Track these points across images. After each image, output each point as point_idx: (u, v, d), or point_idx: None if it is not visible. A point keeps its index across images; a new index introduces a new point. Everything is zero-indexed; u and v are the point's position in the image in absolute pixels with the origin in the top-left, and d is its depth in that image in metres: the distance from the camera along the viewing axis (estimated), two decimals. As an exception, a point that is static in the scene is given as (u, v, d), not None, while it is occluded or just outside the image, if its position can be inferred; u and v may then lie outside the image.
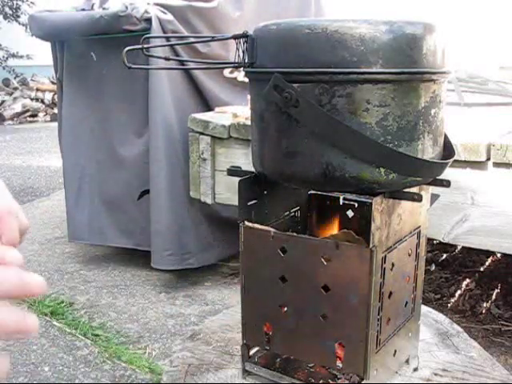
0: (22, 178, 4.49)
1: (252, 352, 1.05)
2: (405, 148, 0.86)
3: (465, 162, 1.52)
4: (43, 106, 8.34)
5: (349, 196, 1.12)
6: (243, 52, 0.91)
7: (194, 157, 2.14)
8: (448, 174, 0.96)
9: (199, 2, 2.32)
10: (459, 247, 2.70)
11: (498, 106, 2.42)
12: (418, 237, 1.03)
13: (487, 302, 2.16)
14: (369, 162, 0.85)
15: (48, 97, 8.38)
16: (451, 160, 0.95)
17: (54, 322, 2.04)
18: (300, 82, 0.84)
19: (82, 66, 2.43)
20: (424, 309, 1.22)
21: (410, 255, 1.02)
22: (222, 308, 2.10)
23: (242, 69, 0.94)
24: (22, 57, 7.87)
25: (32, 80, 8.96)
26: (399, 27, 0.83)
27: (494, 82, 2.85)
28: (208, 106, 2.35)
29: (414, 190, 0.92)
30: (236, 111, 2.08)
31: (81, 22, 2.27)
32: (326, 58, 0.82)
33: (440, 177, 0.96)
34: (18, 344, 1.88)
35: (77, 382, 1.68)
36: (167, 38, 2.07)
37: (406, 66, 0.84)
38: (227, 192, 2.07)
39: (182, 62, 1.91)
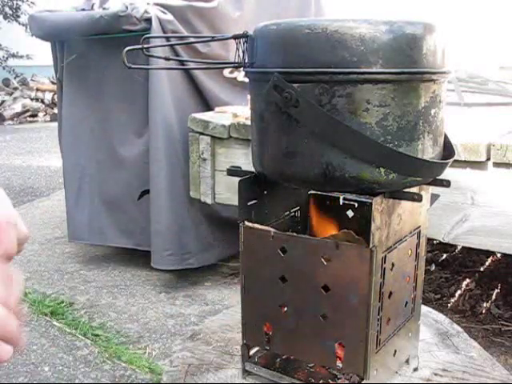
0: (22, 178, 4.49)
1: (252, 352, 1.05)
2: (405, 148, 0.86)
3: (465, 161, 1.52)
4: (43, 106, 8.34)
5: (349, 196, 1.12)
6: (243, 52, 0.91)
7: (194, 157, 2.14)
8: (448, 174, 0.96)
9: (199, 2, 2.32)
10: (459, 247, 2.70)
11: (497, 106, 2.42)
12: (418, 237, 1.03)
13: (487, 302, 2.16)
14: (369, 162, 0.85)
15: (48, 97, 8.39)
16: (451, 160, 0.95)
17: (54, 322, 2.04)
18: (300, 82, 0.84)
19: (82, 66, 2.43)
20: (424, 309, 1.22)
21: (410, 255, 1.02)
22: (221, 308, 2.10)
23: (241, 69, 0.94)
24: (22, 57, 7.88)
25: (32, 80, 8.96)
26: (399, 27, 0.83)
27: (494, 82, 2.85)
28: (208, 106, 2.35)
29: (414, 189, 0.92)
30: (236, 111, 2.08)
31: (81, 22, 2.27)
32: (326, 58, 0.82)
33: (440, 177, 0.96)
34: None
35: (77, 381, 1.68)
36: (167, 38, 2.07)
37: (406, 66, 0.84)
38: (227, 192, 2.07)
39: (181, 62, 1.91)
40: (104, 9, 2.33)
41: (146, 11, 2.14)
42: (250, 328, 1.02)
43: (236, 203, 0.99)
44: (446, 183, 0.98)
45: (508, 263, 2.49)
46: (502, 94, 2.64)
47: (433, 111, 0.89)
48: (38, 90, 8.54)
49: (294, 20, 0.87)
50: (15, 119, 7.97)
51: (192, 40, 2.22)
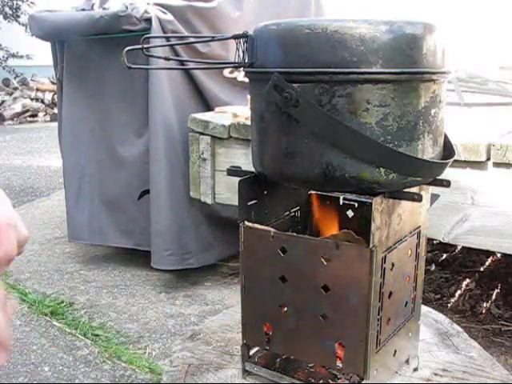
0: (22, 178, 4.49)
1: (252, 352, 1.05)
2: (405, 148, 0.86)
3: (465, 161, 1.52)
4: (43, 106, 8.34)
5: (349, 196, 1.12)
6: (243, 52, 0.91)
7: (194, 157, 2.14)
8: (448, 174, 0.96)
9: (199, 2, 2.32)
10: (459, 247, 2.70)
11: (497, 106, 2.42)
12: (418, 237, 1.03)
13: (487, 302, 2.16)
14: (369, 162, 0.85)
15: (48, 97, 8.39)
16: (451, 160, 0.95)
17: (54, 322, 2.04)
18: (300, 82, 0.84)
19: (82, 66, 2.43)
20: (424, 309, 1.22)
21: (410, 255, 1.02)
22: (221, 308, 2.10)
23: (241, 69, 0.94)
24: (22, 57, 7.88)
25: (32, 80, 8.96)
26: (399, 27, 0.83)
27: (494, 82, 2.85)
28: (208, 106, 2.35)
29: (414, 189, 0.92)
30: (236, 111, 2.08)
31: (81, 22, 2.27)
32: (326, 58, 0.82)
33: (440, 177, 0.96)
34: (18, 344, 1.88)
35: (77, 381, 1.68)
36: (167, 38, 2.07)
37: (406, 66, 0.84)
38: (227, 192, 2.07)
39: (181, 62, 1.91)
40: (104, 9, 2.33)
41: (146, 11, 2.14)
42: (250, 328, 1.02)
43: (236, 203, 0.99)
44: (446, 183, 0.98)
45: (508, 263, 2.49)
46: (502, 94, 2.64)
47: (433, 111, 0.89)
48: (37, 90, 8.54)
49: (293, 20, 0.87)
50: (15, 119, 7.97)
51: (192, 40, 2.22)
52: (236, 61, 0.92)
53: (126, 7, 2.14)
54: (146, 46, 0.90)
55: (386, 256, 0.91)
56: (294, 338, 0.97)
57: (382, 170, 0.85)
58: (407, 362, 1.07)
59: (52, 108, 8.09)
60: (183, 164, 2.23)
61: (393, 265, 0.94)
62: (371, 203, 0.85)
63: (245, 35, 0.91)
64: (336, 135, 0.84)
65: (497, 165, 1.51)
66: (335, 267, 0.90)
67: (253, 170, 1.00)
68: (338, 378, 1.02)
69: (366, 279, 0.88)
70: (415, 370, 1.07)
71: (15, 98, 8.31)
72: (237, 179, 0.98)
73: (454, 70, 2.40)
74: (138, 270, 2.52)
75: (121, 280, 2.43)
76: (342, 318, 0.91)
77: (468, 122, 2.00)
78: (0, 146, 5.97)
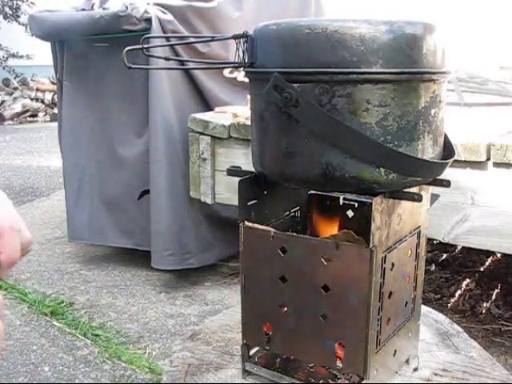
0: (22, 178, 4.49)
1: (252, 352, 1.05)
2: (405, 148, 0.86)
3: (465, 161, 1.52)
4: (43, 106, 8.34)
5: (349, 196, 1.13)
6: (243, 52, 0.91)
7: (194, 157, 2.14)
8: (448, 174, 0.96)
9: (199, 2, 2.32)
10: (459, 247, 2.70)
11: (497, 106, 2.42)
12: (418, 237, 1.03)
13: (487, 302, 2.16)
14: (369, 162, 0.85)
15: (48, 97, 8.38)
16: (451, 160, 0.95)
17: (54, 322, 2.04)
18: (300, 82, 0.84)
19: (82, 66, 2.43)
20: (424, 309, 1.22)
21: (409, 255, 1.02)
22: (222, 308, 2.10)
23: (241, 69, 0.94)
24: (22, 57, 7.88)
25: (32, 80, 8.96)
26: (399, 27, 0.83)
27: (494, 82, 2.85)
28: (208, 106, 2.35)
29: (414, 189, 0.92)
30: (236, 111, 2.08)
31: (81, 22, 2.27)
32: (326, 58, 0.82)
33: (440, 177, 0.96)
34: (18, 344, 1.88)
35: (77, 381, 1.68)
36: (167, 38, 2.07)
37: (406, 66, 0.84)
38: (227, 192, 2.07)
39: (182, 62, 1.91)
40: (104, 9, 2.33)
41: (146, 11, 2.14)
42: (250, 328, 1.02)
43: (236, 203, 0.99)
44: (446, 183, 0.98)
45: (508, 263, 2.49)
46: (502, 94, 2.64)
47: (433, 111, 0.89)
48: (38, 90, 8.53)
49: (293, 20, 0.88)
50: (15, 119, 7.97)
51: (192, 40, 2.22)
52: (236, 61, 0.92)
53: (126, 7, 2.14)
54: (145, 46, 0.90)
55: (385, 256, 0.91)
56: (294, 338, 0.97)
57: (382, 169, 0.85)
58: (407, 362, 1.07)
59: (52, 108, 8.09)
60: (183, 164, 2.23)
61: (393, 265, 0.94)
62: (371, 203, 0.85)
63: (245, 35, 0.91)
64: (336, 135, 0.84)
65: (497, 165, 1.51)
66: (335, 267, 0.90)
67: (253, 169, 1.00)
68: (338, 378, 1.02)
69: (366, 279, 0.88)
70: (415, 370, 1.07)
71: (15, 98, 8.31)
72: (237, 179, 0.98)
73: (454, 70, 2.40)
74: (138, 270, 2.52)
75: (121, 280, 2.43)
76: (342, 318, 0.91)
77: (468, 122, 2.00)
78: (0, 145, 5.97)
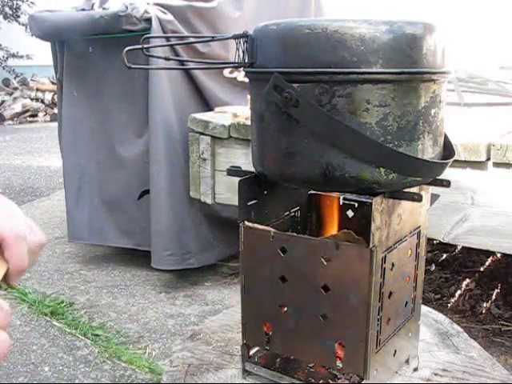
0: (22, 178, 4.49)
1: (252, 352, 1.05)
2: (405, 148, 0.86)
3: (465, 161, 1.52)
4: (43, 106, 8.34)
5: (349, 196, 1.12)
6: (243, 52, 0.91)
7: (194, 157, 2.14)
8: (448, 174, 0.96)
9: (199, 2, 2.32)
10: (459, 247, 2.70)
11: (497, 106, 2.42)
12: (418, 237, 1.03)
13: (487, 301, 2.16)
14: (369, 162, 0.85)
15: (48, 97, 8.38)
16: (451, 160, 0.95)
17: (54, 322, 2.04)
18: (300, 82, 0.84)
19: (82, 66, 2.43)
20: (424, 309, 1.22)
21: (409, 255, 1.02)
22: (221, 308, 2.10)
23: (241, 69, 0.94)
24: (22, 57, 7.88)
25: (32, 80, 8.96)
26: (399, 27, 0.83)
27: (494, 82, 2.85)
28: (208, 106, 2.35)
29: (414, 189, 0.92)
30: (236, 111, 2.08)
31: (81, 22, 2.27)
32: (326, 58, 0.82)
33: (440, 177, 0.96)
34: (18, 344, 1.88)
35: (77, 381, 1.68)
36: (167, 38, 2.07)
37: (406, 66, 0.84)
38: (227, 192, 2.07)
39: (182, 62, 1.91)
40: (104, 9, 2.33)
41: (146, 11, 2.14)
42: (250, 328, 1.02)
43: (236, 203, 0.99)
44: (446, 183, 0.98)
45: (508, 263, 2.49)
46: (502, 94, 2.64)
47: (433, 111, 0.89)
48: (38, 90, 8.54)
49: (293, 20, 0.87)
50: (15, 119, 7.97)
51: (192, 40, 2.22)
52: (236, 61, 0.92)
53: (126, 7, 2.14)
54: (145, 46, 0.90)
55: (385, 256, 0.91)
56: (294, 338, 0.97)
57: (382, 169, 0.85)
58: (407, 362, 1.07)
59: (52, 108, 8.09)
60: (183, 164, 2.23)
61: (393, 265, 0.94)
62: (371, 203, 0.85)
63: (245, 35, 0.91)
64: (336, 135, 0.84)
65: (497, 165, 1.51)
66: (335, 267, 0.90)
67: (253, 170, 1.00)
68: (338, 378, 1.02)
69: (366, 279, 0.88)
70: (415, 370, 1.07)
71: (15, 98, 8.31)
72: (237, 179, 0.98)
73: (454, 70, 2.40)
74: (138, 270, 2.52)
75: (121, 280, 2.43)
76: (342, 318, 0.91)
77: (468, 121, 2.00)
78: (0, 145, 5.97)
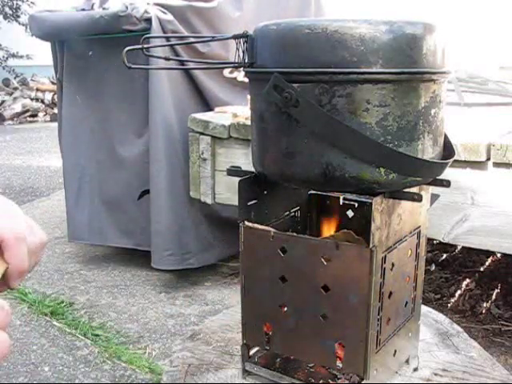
0: (22, 178, 4.49)
1: (252, 352, 1.05)
2: (405, 148, 0.86)
3: (465, 161, 1.52)
4: (43, 106, 8.34)
5: (349, 196, 1.12)
6: (243, 52, 0.91)
7: (194, 157, 2.14)
8: (448, 174, 0.96)
9: (199, 2, 2.32)
10: (459, 247, 2.70)
11: (497, 106, 2.42)
12: (418, 237, 1.03)
13: (487, 302, 2.16)
14: (369, 162, 0.85)
15: (48, 97, 8.38)
16: (451, 160, 0.95)
17: (54, 322, 2.04)
18: (300, 82, 0.84)
19: (82, 66, 2.43)
20: (424, 309, 1.22)
21: (409, 255, 1.02)
22: (221, 308, 2.10)
23: (241, 69, 0.94)
24: (22, 57, 7.88)
25: (32, 80, 8.96)
26: (399, 27, 0.83)
27: (494, 82, 2.85)
28: (208, 106, 2.35)
29: (414, 189, 0.92)
30: (236, 111, 2.08)
31: (81, 22, 2.27)
32: (326, 58, 0.82)
33: (440, 177, 0.96)
34: (18, 344, 1.88)
35: (77, 381, 1.68)
36: (167, 38, 2.07)
37: (406, 66, 0.84)
38: (227, 192, 2.07)
39: (182, 62, 1.91)
40: (104, 9, 2.33)
41: (146, 11, 2.14)
42: (250, 328, 1.02)
43: (236, 203, 0.99)
44: (446, 183, 0.98)
45: (508, 263, 2.49)
46: (502, 94, 2.64)
47: (433, 111, 0.89)
48: (38, 90, 8.54)
49: (293, 20, 0.87)
50: (15, 119, 7.97)
51: (192, 40, 2.22)
52: (236, 61, 0.92)
53: (126, 7, 2.14)
54: (145, 46, 0.90)
55: (385, 256, 0.91)
56: (294, 338, 0.97)
57: (382, 169, 0.85)
58: (407, 362, 1.07)
59: (52, 108, 8.09)
60: (183, 164, 2.23)
61: (393, 265, 0.94)
62: (371, 203, 0.85)
63: (245, 35, 0.91)
64: (336, 135, 0.84)
65: (497, 165, 1.51)
66: (335, 267, 0.90)
67: (253, 170, 1.00)
68: (338, 378, 1.02)
69: (366, 279, 0.88)
70: (415, 370, 1.07)
71: (15, 98, 8.31)
72: (237, 179, 0.98)
73: (454, 70, 2.40)
74: (138, 270, 2.52)
75: (121, 280, 2.43)
76: (342, 318, 0.91)
77: (468, 121, 2.00)
78: (0, 145, 5.97)
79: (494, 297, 2.20)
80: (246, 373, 1.04)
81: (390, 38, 0.82)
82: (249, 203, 0.99)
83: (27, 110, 8.11)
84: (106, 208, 2.50)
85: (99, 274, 2.50)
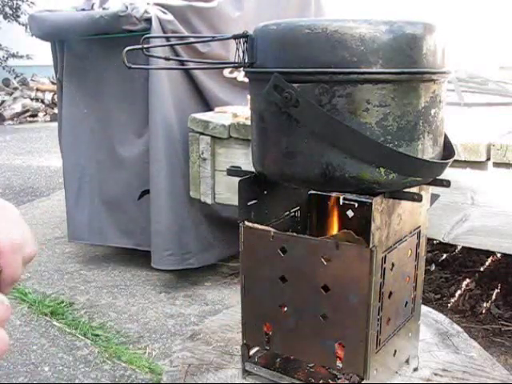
0: (22, 178, 4.49)
1: (252, 352, 1.05)
2: (405, 148, 0.86)
3: (465, 161, 1.52)
4: (43, 106, 8.34)
5: (349, 196, 1.12)
6: (243, 52, 0.91)
7: (194, 157, 2.14)
8: (448, 174, 0.96)
9: (199, 2, 2.32)
10: (459, 247, 2.70)
11: (497, 106, 2.42)
12: (418, 237, 1.03)
13: (487, 302, 2.16)
14: (369, 162, 0.85)
15: (48, 97, 8.38)
16: (451, 160, 0.95)
17: (54, 322, 2.04)
18: (300, 82, 0.84)
19: (82, 66, 2.43)
20: (424, 309, 1.22)
21: (410, 255, 1.02)
22: (221, 308, 2.10)
23: (241, 69, 0.94)
24: (22, 57, 7.89)
25: (32, 80, 8.96)
26: (399, 27, 0.83)
27: (494, 82, 2.85)
28: (208, 106, 2.35)
29: (414, 189, 0.92)
30: (236, 111, 2.08)
31: (81, 22, 2.27)
32: (326, 58, 0.82)
33: (440, 177, 0.96)
34: (18, 344, 1.88)
35: (77, 381, 1.68)
36: (167, 38, 2.07)
37: (406, 66, 0.84)
38: (227, 192, 2.07)
39: (182, 62, 1.91)
40: (104, 9, 2.33)
41: (146, 11, 2.14)
42: (250, 328, 1.02)
43: (236, 203, 0.99)
44: (446, 183, 0.98)
45: (508, 263, 2.49)
46: (502, 94, 2.64)
47: (433, 111, 0.89)
48: (38, 90, 8.54)
49: (294, 20, 0.87)
50: (15, 119, 7.97)
51: (192, 40, 2.23)
52: (236, 61, 0.92)
53: (126, 7, 2.14)
54: (145, 46, 0.90)
55: (385, 256, 0.91)
56: (294, 338, 0.97)
57: (382, 169, 0.85)
58: (407, 362, 1.07)
59: (52, 108, 8.09)
60: (183, 164, 2.23)
61: (393, 265, 0.94)
62: (371, 203, 0.85)
63: (245, 35, 0.91)
64: (336, 135, 0.84)
65: (497, 165, 1.51)
66: (335, 267, 0.90)
67: (253, 170, 1.00)
68: (338, 378, 1.02)
69: (366, 279, 0.88)
70: (415, 370, 1.07)
71: (15, 98, 8.31)
72: (237, 179, 0.98)
73: (454, 70, 2.40)
74: (138, 270, 2.52)
75: (121, 280, 2.43)
76: (342, 318, 0.91)
77: (468, 122, 2.00)
78: (0, 145, 5.97)
79: (494, 297, 2.20)
80: (245, 373, 1.04)
81: (390, 38, 0.82)
82: (249, 203, 0.99)
83: (27, 110, 8.11)
84: (106, 208, 2.50)
85: (99, 274, 2.50)
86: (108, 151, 2.44)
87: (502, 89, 2.73)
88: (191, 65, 2.23)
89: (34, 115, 8.13)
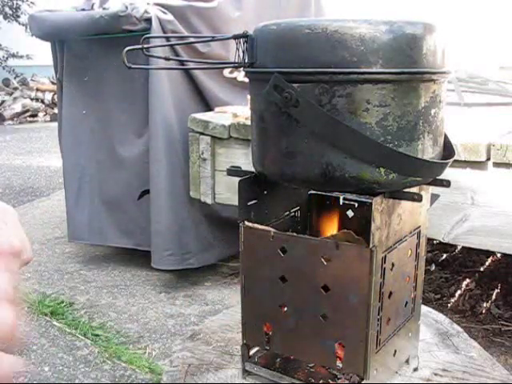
0: (22, 178, 4.49)
1: (252, 352, 1.05)
2: (405, 148, 0.86)
3: (465, 161, 1.52)
4: (43, 106, 8.34)
5: (349, 196, 1.12)
6: (243, 52, 0.91)
7: (194, 157, 2.14)
8: (448, 174, 0.96)
9: (199, 2, 2.32)
10: (459, 247, 2.70)
11: (497, 106, 2.42)
12: (418, 237, 1.03)
13: (487, 302, 2.16)
14: (369, 162, 0.85)
15: (48, 97, 8.39)
16: (451, 160, 0.95)
17: (54, 322, 2.04)
18: (300, 82, 0.84)
19: (82, 66, 2.43)
20: (424, 309, 1.22)
21: (409, 255, 1.02)
22: (221, 308, 2.10)
23: (241, 69, 0.94)
24: (22, 57, 7.89)
25: (32, 80, 8.96)
26: (399, 27, 0.83)
27: (494, 82, 2.85)
28: (208, 106, 2.35)
29: (414, 189, 0.92)
30: (236, 111, 2.08)
31: (81, 22, 2.27)
32: (326, 58, 0.82)
33: (440, 177, 0.96)
34: (18, 344, 1.88)
35: (77, 381, 1.68)
36: (167, 38, 2.07)
37: (406, 66, 0.84)
38: (227, 192, 2.07)
39: (182, 62, 1.91)
40: (104, 9, 2.33)
41: (146, 11, 2.14)
42: (250, 328, 1.02)
43: (236, 203, 0.99)
44: (446, 183, 0.98)
45: (508, 263, 2.49)
46: (502, 94, 2.64)
47: (433, 111, 0.89)
48: (38, 90, 8.54)
49: (293, 20, 0.87)
50: (15, 119, 7.97)
51: (192, 40, 2.23)
52: (236, 61, 0.92)
53: (126, 7, 2.14)
54: (145, 46, 0.90)
55: (385, 256, 0.91)
56: (294, 338, 0.97)
57: (382, 169, 0.85)
58: (407, 362, 1.07)
59: (52, 108, 8.09)
60: (183, 164, 2.23)
61: (393, 265, 0.94)
62: (371, 203, 0.85)
63: (245, 35, 0.91)
64: (336, 135, 0.84)
65: (497, 165, 1.51)
66: (335, 267, 0.90)
67: (253, 170, 1.00)
68: (338, 378, 1.02)
69: (366, 279, 0.88)
70: (415, 370, 1.07)
71: (15, 98, 8.32)
72: (237, 179, 0.98)
73: (454, 70, 2.40)
74: (138, 270, 2.52)
75: (121, 280, 2.43)
76: (342, 318, 0.91)
77: (468, 122, 2.00)
78: (0, 145, 5.97)
79: (494, 297, 2.20)
80: (245, 373, 1.04)
81: (390, 37, 0.82)
82: (249, 203, 0.99)
83: (27, 110, 8.11)
84: (106, 208, 2.50)
85: (99, 274, 2.50)
86: (108, 151, 2.44)
87: (501, 89, 2.73)
88: (191, 65, 2.23)
89: (34, 115, 8.14)
